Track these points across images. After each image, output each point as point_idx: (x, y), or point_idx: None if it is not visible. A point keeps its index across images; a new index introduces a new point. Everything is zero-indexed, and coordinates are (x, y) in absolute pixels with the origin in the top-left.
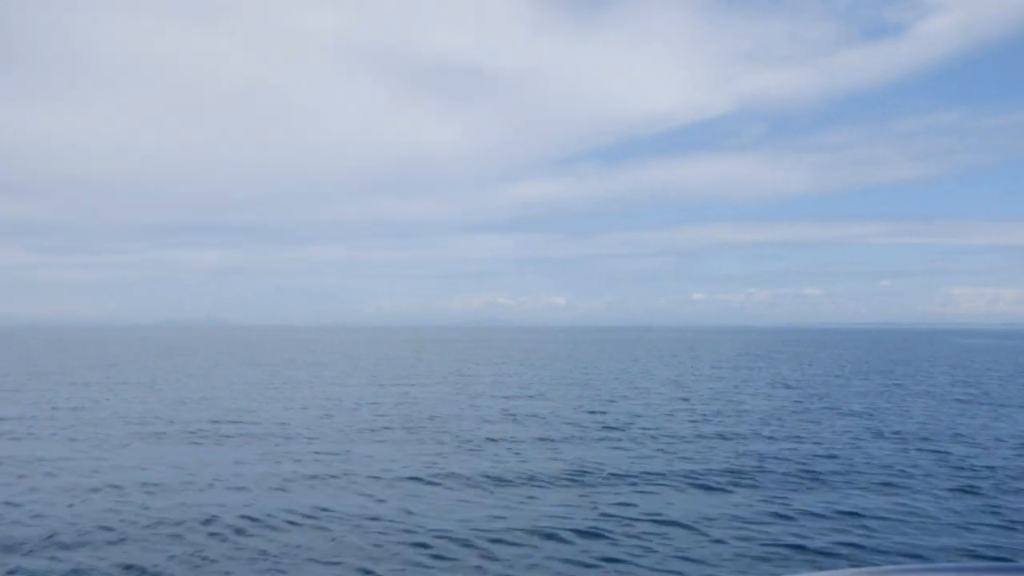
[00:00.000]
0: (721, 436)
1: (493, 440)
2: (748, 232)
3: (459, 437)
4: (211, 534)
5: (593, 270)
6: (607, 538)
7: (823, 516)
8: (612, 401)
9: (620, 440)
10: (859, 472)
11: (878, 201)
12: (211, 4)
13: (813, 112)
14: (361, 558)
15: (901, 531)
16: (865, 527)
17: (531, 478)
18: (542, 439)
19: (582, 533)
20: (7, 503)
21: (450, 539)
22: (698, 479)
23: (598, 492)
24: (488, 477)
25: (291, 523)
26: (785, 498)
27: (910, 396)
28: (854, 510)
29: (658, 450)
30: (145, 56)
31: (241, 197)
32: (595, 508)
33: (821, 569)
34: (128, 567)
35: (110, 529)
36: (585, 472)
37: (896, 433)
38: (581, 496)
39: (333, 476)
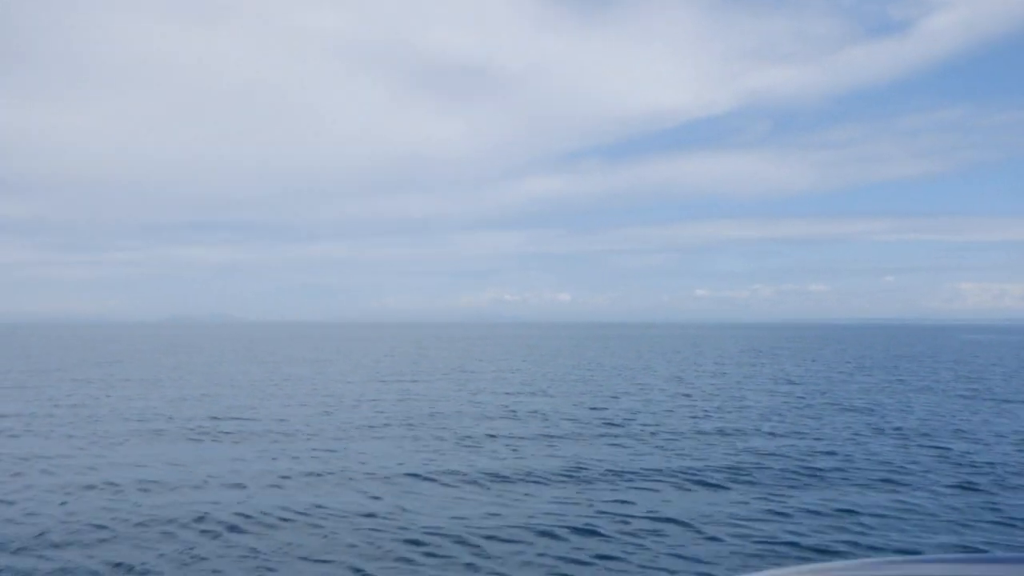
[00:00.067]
0: (721, 432)
1: (492, 436)
2: (752, 229)
3: (458, 434)
4: (203, 532)
5: (597, 267)
6: (602, 535)
7: (821, 513)
8: (614, 397)
9: (620, 437)
10: (859, 468)
11: (883, 198)
12: (212, 4)
13: (818, 109)
14: (353, 555)
15: (898, 528)
16: (862, 524)
17: (529, 475)
18: (542, 436)
19: (577, 530)
20: (0, 501)
21: (444, 536)
22: (697, 476)
23: (595, 489)
24: (486, 474)
25: (285, 520)
26: (783, 495)
27: (912, 392)
28: (852, 507)
29: (657, 447)
30: (147, 56)
31: (245, 195)
32: (592, 505)
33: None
34: (117, 565)
35: (102, 527)
36: (583, 469)
37: (897, 429)
38: (578, 493)
39: (330, 473)
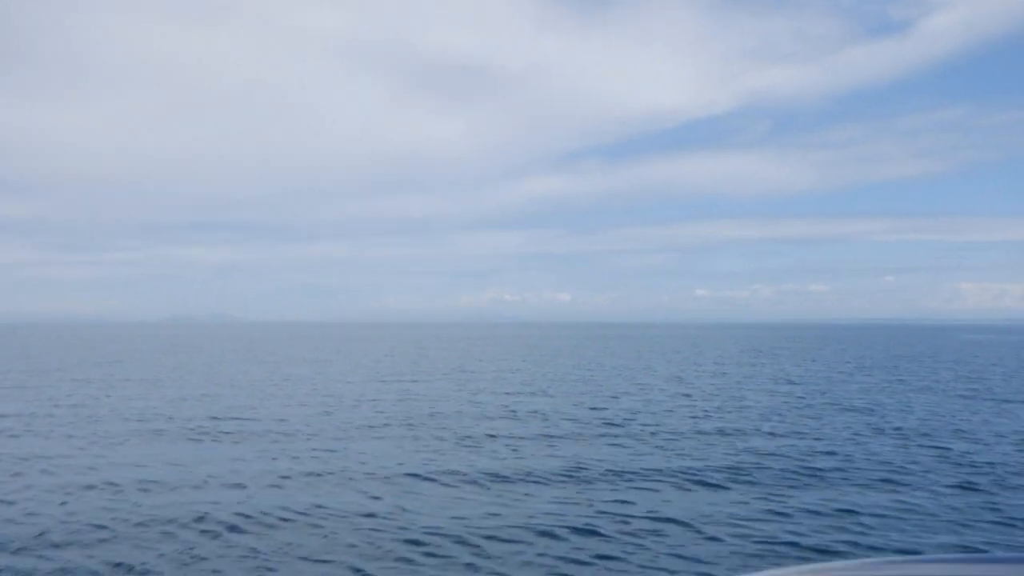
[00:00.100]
0: (721, 432)
1: (492, 436)
2: (752, 229)
3: (458, 434)
4: (203, 532)
5: (597, 267)
6: (602, 535)
7: (820, 513)
8: (614, 397)
9: (619, 437)
10: (858, 468)
11: (883, 198)
12: (212, 4)
13: (818, 109)
14: (352, 555)
15: (898, 528)
16: (862, 524)
17: (529, 475)
18: (542, 436)
19: (577, 530)
20: (0, 501)
21: (444, 536)
22: (696, 476)
23: (595, 489)
24: (485, 474)
25: (285, 520)
26: (783, 495)
27: (912, 392)
28: (852, 507)
29: (657, 447)
30: (147, 56)
31: (245, 195)
32: (591, 505)
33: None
34: (117, 565)
35: (102, 527)
36: (583, 469)
37: (897, 429)
38: (578, 493)
39: (330, 473)
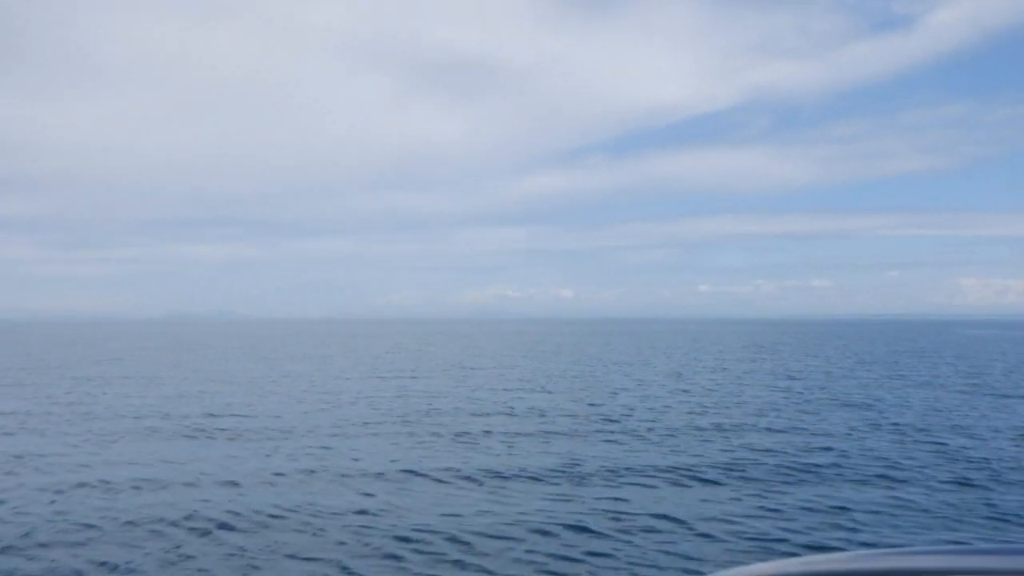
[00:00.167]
0: (717, 428)
1: (488, 433)
2: (755, 224)
3: (454, 430)
4: (192, 530)
5: (600, 262)
6: (594, 532)
7: (813, 510)
8: (613, 394)
9: (616, 433)
10: (854, 464)
11: (886, 194)
12: (214, 1)
13: (821, 104)
14: (340, 553)
15: (891, 524)
16: (855, 520)
17: (523, 472)
18: (537, 432)
19: (569, 527)
20: None
21: (434, 533)
22: (692, 472)
23: (589, 486)
24: (479, 471)
25: (275, 518)
26: (777, 491)
27: (911, 387)
28: (846, 503)
29: (653, 443)
30: (149, 53)
31: (248, 192)
32: (585, 502)
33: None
34: (102, 564)
35: (91, 526)
36: (578, 466)
37: (894, 424)
38: (572, 490)
39: (323, 471)
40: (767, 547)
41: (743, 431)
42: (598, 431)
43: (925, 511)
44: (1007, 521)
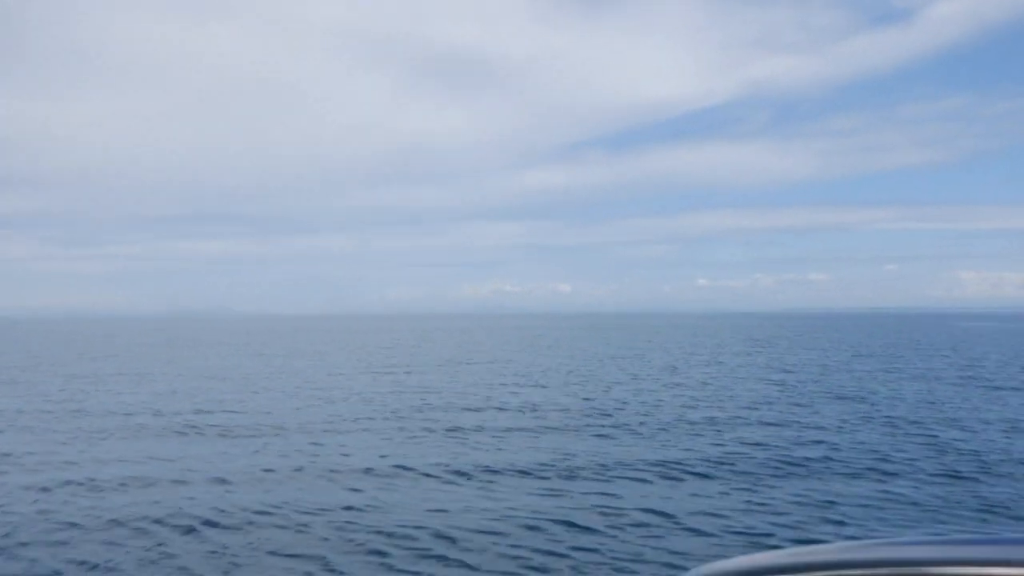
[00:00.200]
0: (710, 422)
1: (479, 428)
2: (754, 218)
3: (446, 426)
4: (176, 529)
5: (599, 257)
6: (580, 527)
7: (802, 503)
8: (607, 389)
9: (608, 428)
10: (844, 458)
11: (885, 187)
12: None
13: (820, 98)
14: (324, 549)
15: (878, 517)
16: (843, 514)
17: (513, 467)
18: (530, 428)
19: (557, 522)
20: None
21: (419, 529)
22: (681, 467)
23: (579, 481)
24: (469, 466)
25: (261, 515)
26: (766, 485)
27: (905, 380)
28: (834, 497)
29: (645, 438)
30: (148, 49)
31: (247, 188)
32: (573, 497)
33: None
34: (81, 563)
35: (74, 525)
36: (568, 461)
37: (886, 417)
38: (561, 485)
39: (312, 467)
40: (755, 541)
41: (735, 425)
42: (590, 425)
43: (914, 504)
44: (994, 513)
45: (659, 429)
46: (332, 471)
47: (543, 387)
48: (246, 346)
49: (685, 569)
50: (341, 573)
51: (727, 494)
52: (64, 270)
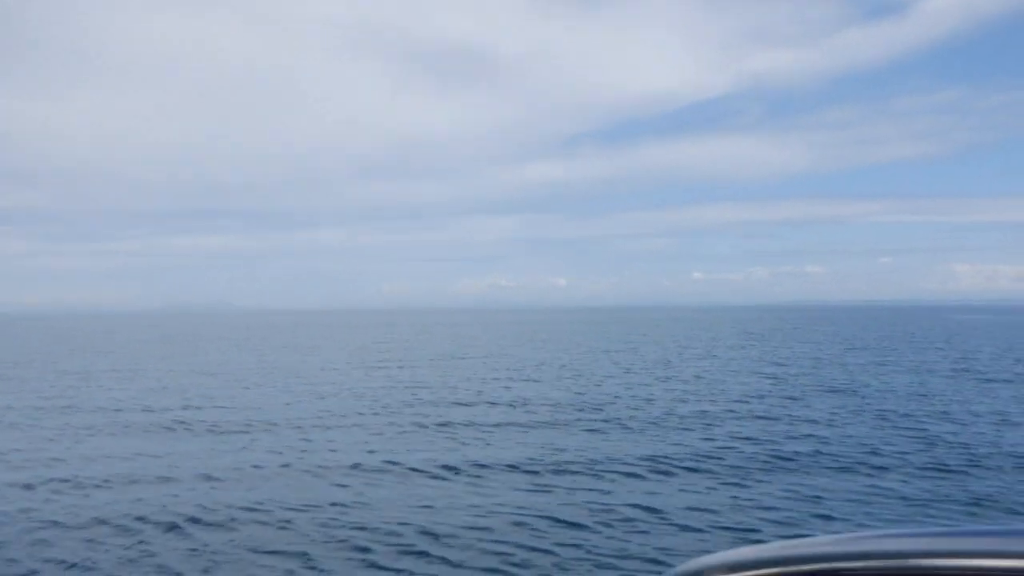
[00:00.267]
0: (701, 417)
1: (470, 423)
2: (750, 211)
3: (436, 421)
4: (159, 526)
5: (595, 251)
6: (567, 522)
7: (790, 498)
8: (599, 383)
9: (599, 422)
10: (834, 452)
11: (880, 180)
12: None
13: (815, 91)
14: (306, 546)
15: (864, 511)
16: (830, 508)
17: (501, 463)
18: (520, 423)
19: (543, 518)
20: None
21: (403, 525)
22: (670, 461)
23: (567, 476)
24: (458, 462)
25: (246, 511)
26: (755, 480)
27: (897, 372)
28: (823, 491)
29: (635, 432)
30: (143, 44)
31: (243, 183)
32: (560, 492)
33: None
34: (61, 562)
35: (57, 523)
36: (557, 456)
37: (877, 411)
38: (549, 480)
39: (300, 463)
40: (742, 537)
41: (726, 419)
42: (581, 420)
43: (902, 498)
44: (982, 506)
45: (650, 423)
46: (319, 467)
47: (536, 381)
48: (240, 342)
49: (670, 565)
50: (321, 570)
51: (715, 489)
52: (60, 266)
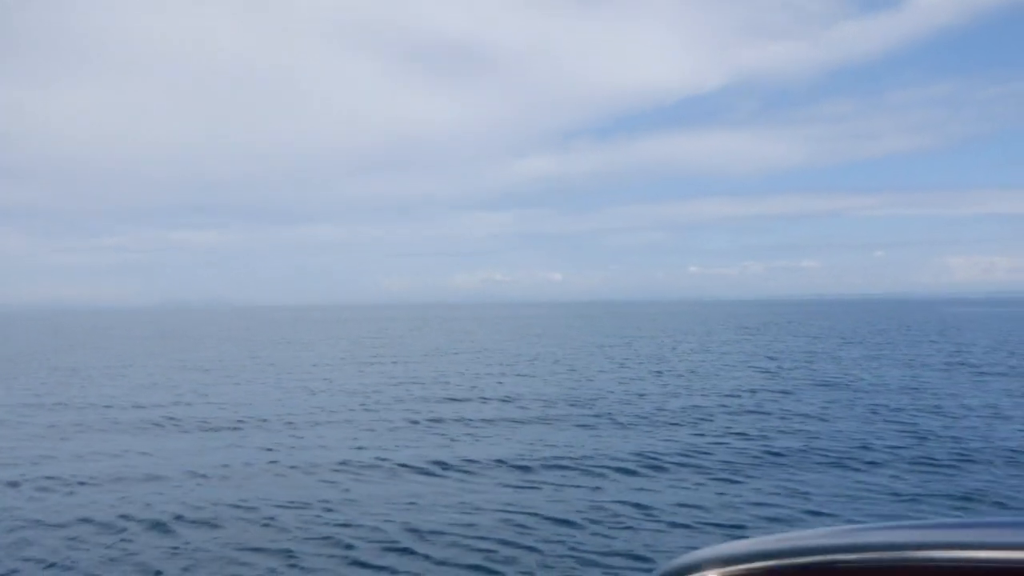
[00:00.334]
0: (693, 411)
1: (461, 419)
2: (744, 205)
3: (427, 417)
4: (143, 524)
5: (590, 245)
6: (554, 519)
7: (778, 493)
8: (592, 379)
9: (590, 417)
10: (824, 446)
11: (874, 173)
12: None
13: (810, 84)
14: (290, 543)
15: (852, 507)
16: (818, 503)
17: (490, 459)
18: (511, 418)
19: (530, 514)
20: None
21: (388, 522)
22: (660, 457)
23: (556, 472)
24: (447, 458)
25: (233, 508)
26: (746, 475)
27: (890, 366)
28: (813, 486)
29: (626, 427)
30: (137, 40)
31: (238, 178)
32: (549, 489)
33: None
34: (40, 561)
35: (38, 523)
36: (547, 452)
37: (869, 405)
38: (538, 477)
39: (288, 460)
40: (732, 532)
41: (718, 414)
42: (572, 415)
43: (892, 492)
44: (971, 500)
45: (641, 419)
46: (308, 464)
47: (528, 377)
48: (234, 338)
49: (658, 562)
50: (303, 567)
51: (705, 484)
52: (59, 262)
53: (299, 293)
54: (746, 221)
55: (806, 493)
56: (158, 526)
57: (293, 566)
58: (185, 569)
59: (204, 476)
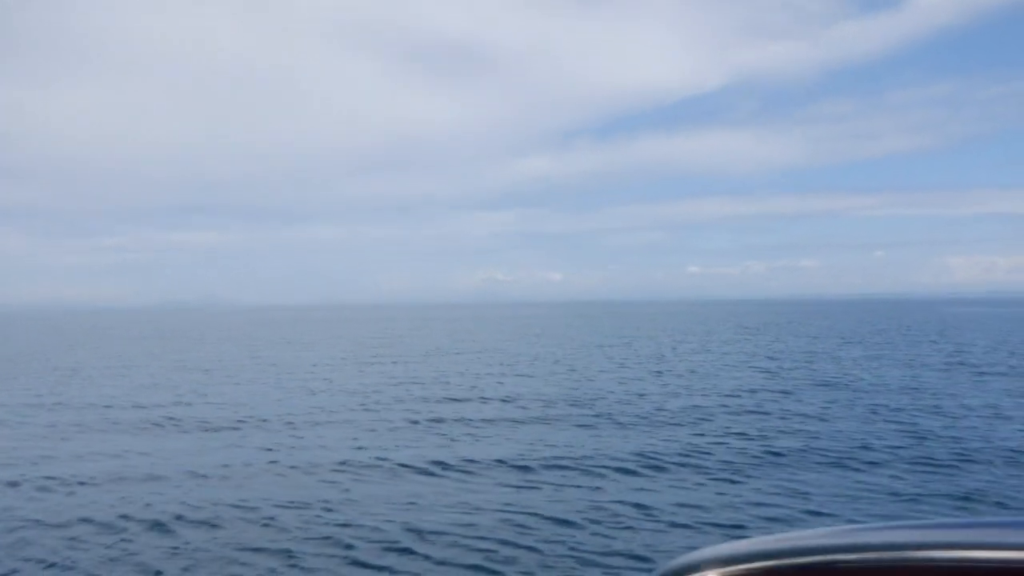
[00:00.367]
0: (693, 412)
1: (461, 419)
2: (744, 205)
3: (427, 417)
4: (143, 525)
5: (589, 245)
6: (554, 519)
7: (778, 493)
8: (591, 378)
9: (590, 417)
10: (824, 446)
11: (874, 173)
12: None
13: (810, 85)
14: (290, 543)
15: (851, 507)
16: (818, 503)
17: (490, 459)
18: (511, 418)
19: (530, 515)
20: None
21: (388, 522)
22: (660, 457)
23: (556, 472)
24: (447, 458)
25: (230, 510)
26: (746, 475)
27: (890, 366)
28: (812, 486)
29: (626, 427)
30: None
31: (237, 178)
32: (549, 489)
33: None
34: (40, 562)
35: (39, 522)
36: (548, 452)
37: (868, 405)
38: (538, 477)
39: (288, 460)
40: (732, 532)
41: (718, 414)
42: (572, 415)
43: (892, 492)
44: (971, 500)
45: (641, 418)
46: (308, 464)
47: (529, 377)
48: (234, 338)
49: (657, 562)
50: (302, 567)
51: (705, 484)
52: (59, 262)
53: (299, 293)
54: (746, 221)
55: (806, 493)
56: (158, 526)
57: (293, 566)
58: (185, 569)
59: (204, 476)
